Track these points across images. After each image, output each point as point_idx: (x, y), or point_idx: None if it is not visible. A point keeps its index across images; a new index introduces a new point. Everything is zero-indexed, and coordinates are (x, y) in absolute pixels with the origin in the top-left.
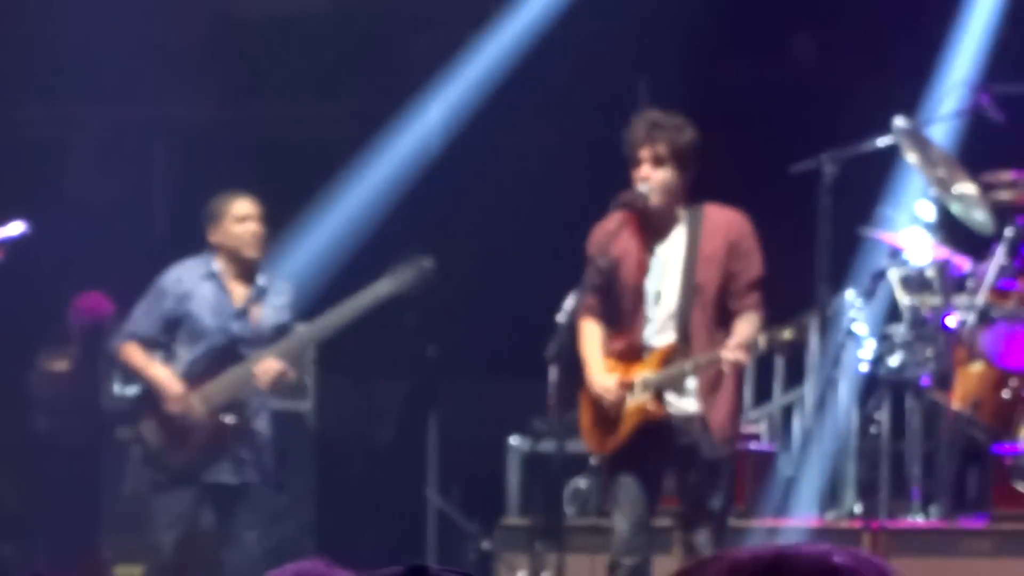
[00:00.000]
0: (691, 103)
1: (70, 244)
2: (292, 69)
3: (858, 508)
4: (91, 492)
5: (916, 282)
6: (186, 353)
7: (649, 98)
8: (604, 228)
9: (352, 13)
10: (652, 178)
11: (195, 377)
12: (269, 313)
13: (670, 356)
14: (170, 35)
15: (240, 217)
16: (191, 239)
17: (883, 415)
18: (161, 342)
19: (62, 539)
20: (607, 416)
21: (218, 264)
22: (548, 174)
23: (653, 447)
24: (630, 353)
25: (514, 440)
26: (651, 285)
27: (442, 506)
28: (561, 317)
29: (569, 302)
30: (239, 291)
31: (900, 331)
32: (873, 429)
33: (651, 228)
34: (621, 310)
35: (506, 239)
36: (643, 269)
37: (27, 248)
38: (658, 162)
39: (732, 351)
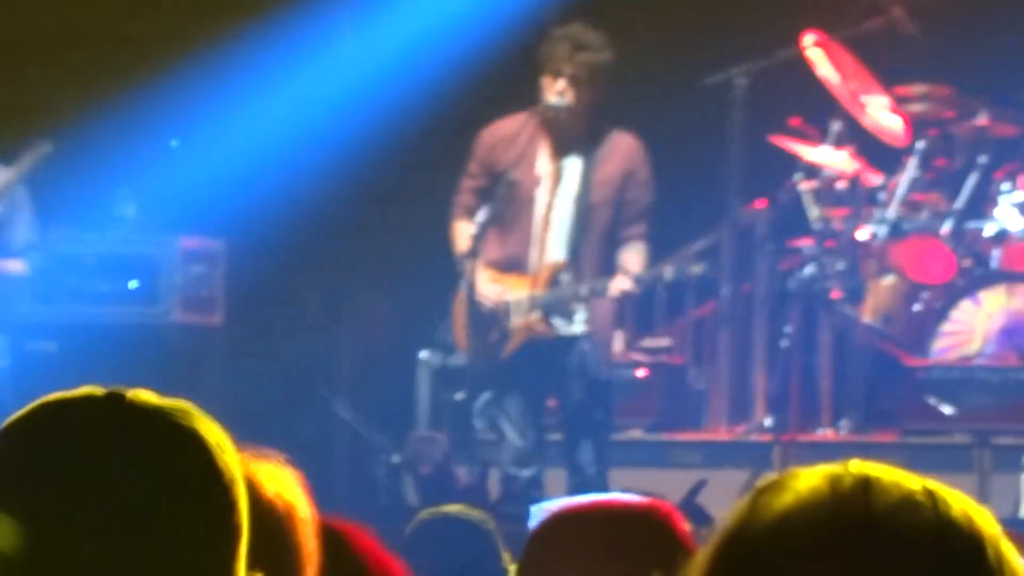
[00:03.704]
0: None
1: None
2: None
3: (769, 421)
4: None
5: (827, 195)
6: None
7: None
8: (497, 131)
9: None
10: (568, 96)
11: None
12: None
13: (557, 275)
14: None
15: None
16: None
17: (793, 328)
18: None
19: None
20: (487, 325)
21: None
22: None
23: (538, 364)
24: (511, 264)
25: (424, 354)
26: (542, 198)
27: (352, 419)
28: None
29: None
30: None
31: (811, 244)
32: (783, 342)
33: (551, 140)
34: (505, 218)
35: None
36: (537, 180)
37: None
38: (577, 82)
39: (623, 281)
